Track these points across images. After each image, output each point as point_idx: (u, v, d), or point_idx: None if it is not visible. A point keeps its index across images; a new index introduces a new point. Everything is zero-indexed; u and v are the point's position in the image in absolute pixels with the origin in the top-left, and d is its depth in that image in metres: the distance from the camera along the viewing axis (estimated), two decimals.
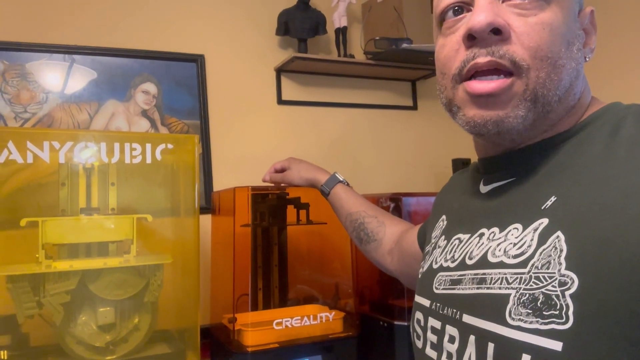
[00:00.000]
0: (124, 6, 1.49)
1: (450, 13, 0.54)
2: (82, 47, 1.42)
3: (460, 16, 0.53)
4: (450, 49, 0.53)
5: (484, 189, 0.59)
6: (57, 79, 1.39)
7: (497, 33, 0.49)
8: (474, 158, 0.65)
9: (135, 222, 1.07)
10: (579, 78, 0.52)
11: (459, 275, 0.54)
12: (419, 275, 0.65)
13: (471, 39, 0.50)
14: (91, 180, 1.09)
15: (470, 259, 0.53)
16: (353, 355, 1.22)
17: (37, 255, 1.01)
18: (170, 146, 1.10)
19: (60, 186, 1.08)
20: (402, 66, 1.70)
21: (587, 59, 0.54)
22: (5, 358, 1.03)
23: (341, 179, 1.07)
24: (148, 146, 1.08)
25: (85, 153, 1.04)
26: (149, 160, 1.08)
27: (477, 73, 0.50)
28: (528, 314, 0.43)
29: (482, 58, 0.49)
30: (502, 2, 0.50)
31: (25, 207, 1.08)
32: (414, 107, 1.89)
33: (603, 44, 1.57)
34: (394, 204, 1.33)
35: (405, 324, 1.25)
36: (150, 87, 1.48)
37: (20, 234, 1.04)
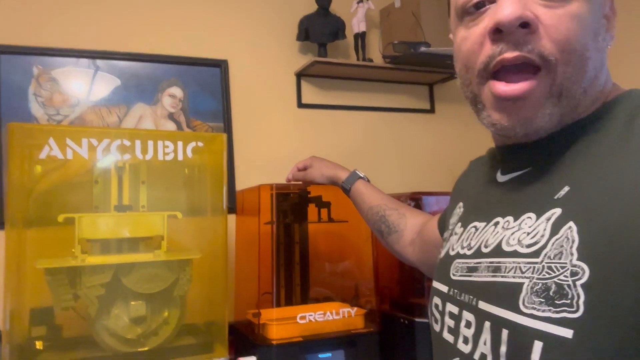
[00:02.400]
0: (154, 14, 1.55)
1: (473, 4, 0.52)
2: (110, 53, 1.47)
3: (484, 8, 0.51)
4: (473, 42, 0.52)
5: (501, 178, 0.59)
6: (81, 86, 1.44)
7: (525, 26, 0.47)
8: None
9: (166, 219, 1.11)
10: (604, 68, 0.51)
11: (475, 263, 0.55)
12: (437, 261, 0.67)
13: (497, 32, 0.49)
14: (123, 178, 1.14)
15: (485, 247, 0.54)
16: (375, 350, 1.25)
17: (73, 250, 1.05)
18: (200, 144, 1.15)
19: (93, 184, 1.13)
20: (420, 70, 1.73)
21: (608, 47, 0.53)
22: (41, 348, 1.07)
23: (362, 175, 1.10)
24: (179, 144, 1.13)
25: (121, 150, 1.09)
26: (180, 157, 1.13)
27: (503, 68, 0.49)
28: (541, 303, 0.43)
29: (510, 53, 0.48)
30: None
31: (59, 204, 1.13)
32: (432, 111, 1.92)
33: (623, 29, 1.57)
34: (414, 203, 1.35)
35: (426, 321, 1.27)
36: (177, 91, 1.53)
37: (54, 231, 1.09)
